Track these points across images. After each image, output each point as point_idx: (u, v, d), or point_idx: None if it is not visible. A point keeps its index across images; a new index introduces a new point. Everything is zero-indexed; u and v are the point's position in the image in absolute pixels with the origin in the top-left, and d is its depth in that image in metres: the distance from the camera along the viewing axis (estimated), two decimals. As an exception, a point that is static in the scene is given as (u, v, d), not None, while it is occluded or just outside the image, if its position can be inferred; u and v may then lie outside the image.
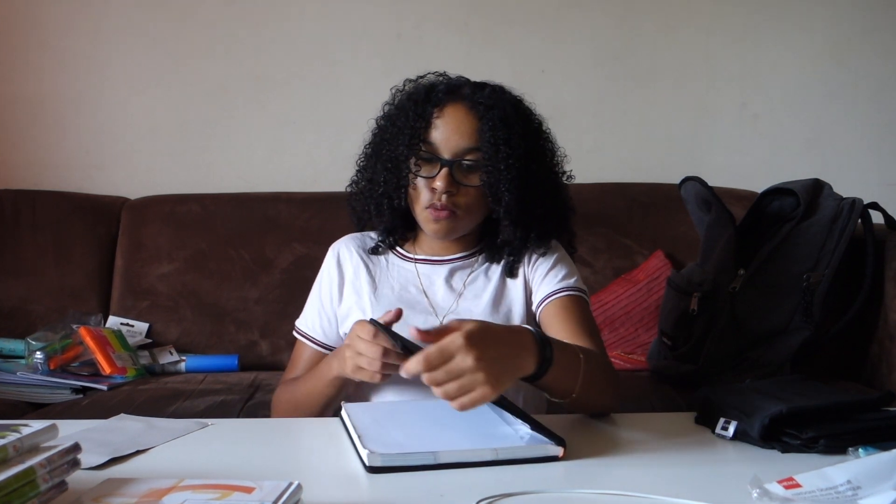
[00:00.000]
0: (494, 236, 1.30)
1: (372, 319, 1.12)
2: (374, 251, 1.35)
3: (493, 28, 2.44)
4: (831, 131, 2.50)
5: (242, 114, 2.43)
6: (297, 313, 1.36)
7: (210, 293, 2.13)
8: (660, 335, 1.93)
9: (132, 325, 2.08)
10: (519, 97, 1.30)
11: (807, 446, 0.96)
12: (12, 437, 0.72)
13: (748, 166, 2.44)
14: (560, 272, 1.29)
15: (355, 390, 1.25)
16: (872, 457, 0.85)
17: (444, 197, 1.22)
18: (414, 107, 1.25)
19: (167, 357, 2.01)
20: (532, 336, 0.98)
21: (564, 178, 1.33)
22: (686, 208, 2.03)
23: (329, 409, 1.21)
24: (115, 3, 2.39)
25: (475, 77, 1.31)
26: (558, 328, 1.23)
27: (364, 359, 1.07)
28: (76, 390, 1.76)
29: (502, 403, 0.96)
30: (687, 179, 1.97)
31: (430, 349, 0.87)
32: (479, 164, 1.22)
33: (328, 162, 2.38)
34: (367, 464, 0.89)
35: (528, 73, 2.43)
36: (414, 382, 1.14)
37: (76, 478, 0.77)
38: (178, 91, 2.42)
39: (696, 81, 2.49)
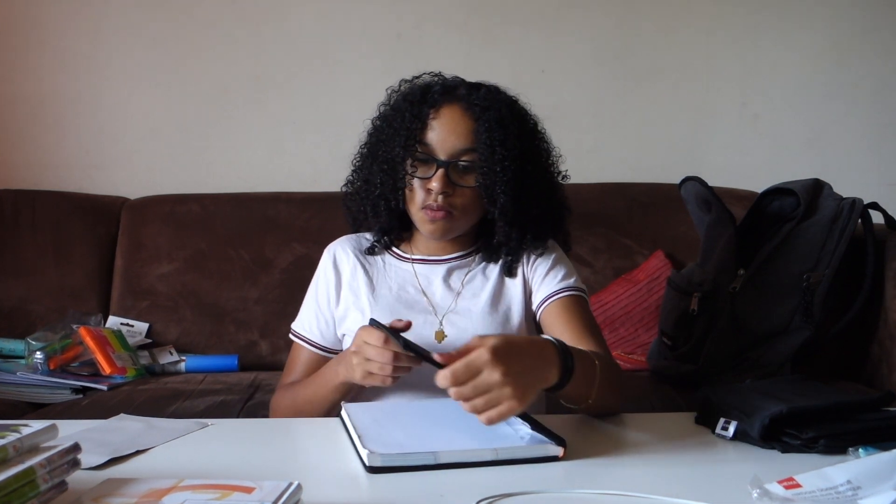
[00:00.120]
0: (491, 236, 1.30)
1: (372, 319, 1.11)
2: (370, 252, 1.35)
3: (492, 28, 2.44)
4: (831, 131, 2.50)
5: (242, 114, 2.43)
6: (297, 313, 1.36)
7: (210, 293, 2.13)
8: (660, 335, 1.93)
9: (132, 325, 2.08)
10: (514, 97, 1.30)
11: (807, 446, 0.96)
12: (12, 437, 0.72)
13: (748, 166, 2.44)
14: (560, 272, 1.29)
15: (358, 393, 1.25)
16: (872, 457, 0.85)
17: (440, 198, 1.21)
18: (410, 108, 1.24)
19: (167, 357, 2.01)
20: (554, 347, 0.98)
21: (560, 178, 1.33)
22: (686, 208, 2.03)
23: (331, 413, 1.21)
24: (115, 3, 2.39)
25: (475, 77, 1.31)
26: (561, 329, 1.23)
27: (375, 364, 1.07)
28: (76, 390, 1.76)
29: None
30: (687, 179, 1.96)
31: (458, 365, 0.88)
32: (475, 165, 1.22)
33: (328, 162, 2.37)
34: (367, 464, 0.89)
35: (528, 73, 2.43)
36: (415, 383, 1.14)
37: (76, 478, 0.77)
38: (177, 91, 2.42)
39: (696, 81, 2.49)
